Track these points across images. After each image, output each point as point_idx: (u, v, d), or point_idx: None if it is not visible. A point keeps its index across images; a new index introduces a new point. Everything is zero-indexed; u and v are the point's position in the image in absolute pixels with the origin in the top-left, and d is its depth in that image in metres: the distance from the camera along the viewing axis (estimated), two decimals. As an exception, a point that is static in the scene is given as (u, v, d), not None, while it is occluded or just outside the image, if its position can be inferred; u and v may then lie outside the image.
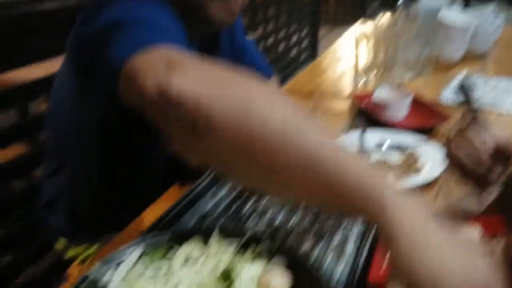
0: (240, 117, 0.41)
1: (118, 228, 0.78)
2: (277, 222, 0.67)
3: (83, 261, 0.97)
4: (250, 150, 0.42)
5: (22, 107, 1.46)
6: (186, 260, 0.55)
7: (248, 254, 0.55)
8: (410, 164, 0.93)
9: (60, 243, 1.04)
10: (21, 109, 1.47)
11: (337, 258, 0.59)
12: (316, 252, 0.60)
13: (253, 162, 0.42)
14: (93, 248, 0.98)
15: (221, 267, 0.51)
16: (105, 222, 0.96)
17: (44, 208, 1.06)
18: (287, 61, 3.05)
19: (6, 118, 1.43)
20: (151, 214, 0.78)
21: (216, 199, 0.73)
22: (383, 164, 0.93)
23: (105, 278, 0.51)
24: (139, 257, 0.55)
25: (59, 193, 1.01)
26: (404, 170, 0.91)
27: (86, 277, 0.51)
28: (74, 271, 0.97)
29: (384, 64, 1.57)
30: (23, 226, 1.38)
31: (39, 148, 1.40)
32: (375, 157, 0.97)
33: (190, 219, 0.68)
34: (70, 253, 1.02)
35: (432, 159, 0.95)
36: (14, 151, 1.56)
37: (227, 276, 0.50)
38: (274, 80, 1.21)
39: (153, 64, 0.48)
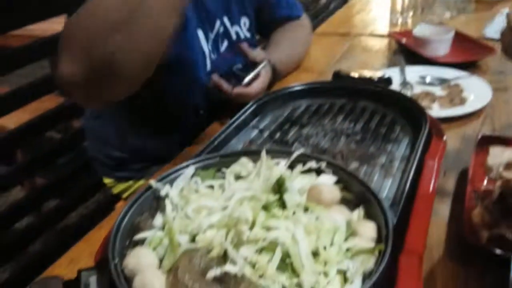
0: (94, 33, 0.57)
1: (162, 163, 0.81)
2: (321, 146, 0.67)
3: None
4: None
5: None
6: (237, 177, 0.57)
7: (297, 170, 0.56)
8: (455, 95, 0.91)
9: (108, 181, 1.09)
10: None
11: (384, 176, 0.59)
12: (362, 171, 0.60)
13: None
14: (139, 183, 1.02)
15: (272, 181, 0.53)
16: (149, 157, 0.99)
17: (91, 147, 1.10)
18: (316, 10, 2.96)
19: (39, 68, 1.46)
20: (195, 150, 0.80)
21: (259, 128, 0.74)
22: (427, 95, 0.92)
23: (162, 192, 0.54)
24: (192, 177, 0.57)
25: (103, 131, 1.05)
26: (449, 101, 0.89)
27: (149, 187, 0.53)
28: (122, 206, 1.02)
29: (423, 3, 1.51)
30: (70, 171, 1.44)
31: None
32: (418, 89, 0.96)
33: (236, 145, 0.70)
34: (117, 189, 1.07)
35: (476, 91, 0.93)
36: (51, 102, 1.61)
37: (278, 187, 0.51)
38: (304, 19, 1.19)
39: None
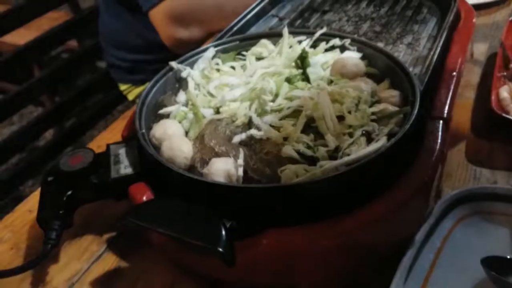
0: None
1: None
2: (344, 30, 0.65)
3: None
4: None
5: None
6: (258, 59, 0.56)
7: (321, 47, 0.54)
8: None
9: (124, 87, 1.09)
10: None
11: (410, 54, 0.57)
12: (388, 49, 0.58)
13: None
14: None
15: (294, 57, 0.51)
16: (165, 56, 0.98)
17: (107, 53, 1.09)
18: None
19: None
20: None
21: (279, 17, 0.72)
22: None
23: (183, 73, 0.54)
24: (212, 59, 0.56)
25: (119, 32, 1.04)
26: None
27: (171, 69, 0.53)
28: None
29: None
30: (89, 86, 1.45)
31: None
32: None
33: (256, 31, 0.68)
34: (133, 94, 1.08)
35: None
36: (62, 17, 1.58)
37: (301, 62, 0.50)
38: None
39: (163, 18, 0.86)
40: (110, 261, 0.47)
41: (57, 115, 1.41)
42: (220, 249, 0.34)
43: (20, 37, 1.47)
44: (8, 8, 1.20)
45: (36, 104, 1.92)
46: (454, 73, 0.51)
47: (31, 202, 0.54)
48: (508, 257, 0.39)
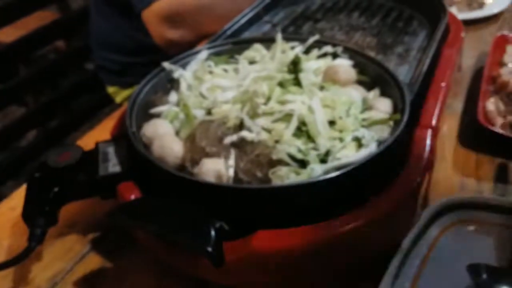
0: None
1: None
2: (336, 38, 0.66)
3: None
4: None
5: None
6: (251, 63, 0.56)
7: (313, 54, 0.55)
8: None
9: (112, 90, 1.09)
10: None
11: (400, 64, 0.58)
12: (378, 58, 0.59)
13: None
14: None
15: (287, 62, 0.52)
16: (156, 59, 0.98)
17: (96, 54, 1.09)
18: None
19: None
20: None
21: (272, 23, 0.72)
22: (445, -2, 0.88)
23: (176, 74, 0.53)
24: (205, 61, 0.56)
25: (110, 33, 1.03)
26: (467, 5, 0.86)
27: (162, 69, 0.53)
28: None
29: None
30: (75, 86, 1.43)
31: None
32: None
33: (250, 36, 0.68)
34: (121, 97, 1.07)
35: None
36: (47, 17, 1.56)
37: (294, 67, 0.50)
38: None
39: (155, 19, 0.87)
40: (95, 261, 0.46)
41: (41, 115, 1.38)
42: (209, 249, 0.34)
43: (7, 35, 1.45)
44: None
45: (20, 104, 1.89)
46: (443, 84, 0.52)
47: (14, 200, 0.53)
48: (493, 264, 0.39)
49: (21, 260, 0.40)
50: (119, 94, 1.10)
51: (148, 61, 1.00)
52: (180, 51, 0.59)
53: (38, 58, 1.98)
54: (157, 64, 0.55)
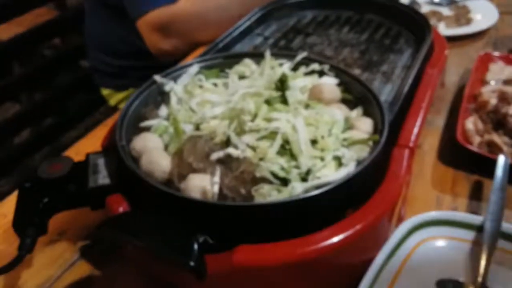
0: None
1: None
2: (325, 54, 0.68)
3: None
4: None
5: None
6: (241, 77, 0.58)
7: (300, 72, 0.57)
8: (461, 15, 0.90)
9: (106, 92, 1.10)
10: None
11: (385, 82, 0.60)
12: (364, 77, 0.61)
13: None
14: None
15: (275, 79, 0.54)
16: (153, 64, 1.00)
17: (92, 56, 1.10)
18: None
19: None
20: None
21: (264, 36, 0.74)
22: (434, 14, 0.90)
23: (167, 87, 0.55)
24: (196, 75, 0.58)
25: (106, 37, 1.04)
26: (455, 21, 0.88)
27: (154, 82, 0.54)
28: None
29: None
30: (69, 86, 1.44)
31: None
32: (426, 8, 0.94)
33: (240, 50, 0.70)
34: (115, 99, 1.08)
35: (483, 13, 0.91)
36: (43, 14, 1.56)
37: (281, 84, 0.52)
38: None
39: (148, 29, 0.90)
40: (83, 269, 0.47)
41: (35, 113, 1.39)
42: (191, 263, 0.36)
43: (2, 32, 1.46)
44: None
45: (14, 101, 1.89)
46: (423, 104, 0.54)
47: (6, 207, 0.54)
48: (460, 280, 0.42)
49: (10, 268, 0.42)
50: (113, 97, 1.11)
51: (142, 65, 1.02)
52: (174, 58, 0.60)
53: (33, 55, 1.98)
54: (151, 68, 0.57)
